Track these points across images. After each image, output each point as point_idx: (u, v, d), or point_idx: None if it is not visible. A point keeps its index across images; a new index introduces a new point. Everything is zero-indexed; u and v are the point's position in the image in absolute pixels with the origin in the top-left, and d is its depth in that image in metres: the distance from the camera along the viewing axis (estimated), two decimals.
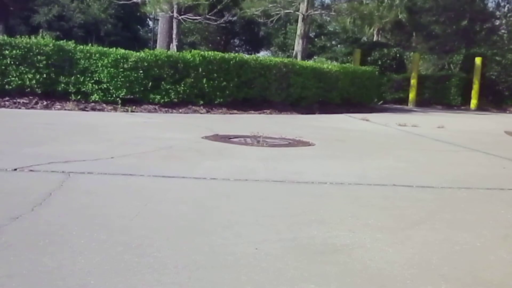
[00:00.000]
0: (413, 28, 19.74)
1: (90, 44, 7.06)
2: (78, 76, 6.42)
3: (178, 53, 7.54)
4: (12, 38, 6.36)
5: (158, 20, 12.49)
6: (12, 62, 6.12)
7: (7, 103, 5.98)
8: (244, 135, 4.16)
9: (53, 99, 6.30)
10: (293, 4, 12.12)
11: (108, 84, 6.53)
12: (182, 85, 6.94)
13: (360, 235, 1.62)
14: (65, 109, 6.09)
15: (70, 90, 6.38)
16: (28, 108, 5.94)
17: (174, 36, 10.17)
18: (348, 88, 9.46)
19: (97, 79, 6.50)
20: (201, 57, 7.14)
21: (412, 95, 13.73)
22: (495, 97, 13.85)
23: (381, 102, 12.20)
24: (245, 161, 2.99)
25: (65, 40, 6.69)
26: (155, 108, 6.75)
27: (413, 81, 13.77)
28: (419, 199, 2.22)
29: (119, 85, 6.55)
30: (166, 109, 6.80)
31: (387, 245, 1.54)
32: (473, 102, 13.52)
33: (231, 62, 7.35)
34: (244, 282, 1.21)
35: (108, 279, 1.18)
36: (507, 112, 13.25)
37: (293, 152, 3.50)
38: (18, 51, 6.14)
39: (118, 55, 6.60)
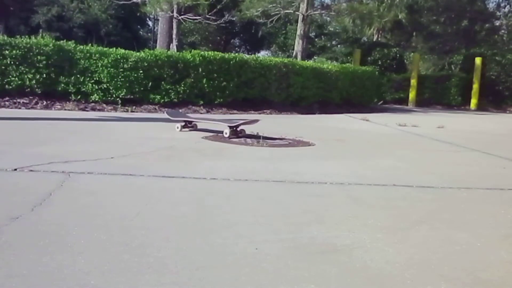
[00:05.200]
0: (413, 28, 19.75)
1: (90, 44, 7.07)
2: (78, 76, 6.42)
3: (178, 53, 7.54)
4: (12, 38, 6.36)
5: (158, 20, 12.50)
6: (12, 62, 6.12)
7: (7, 103, 5.99)
8: (244, 135, 4.16)
9: (53, 99, 6.30)
10: (293, 4, 12.12)
11: (108, 84, 6.53)
12: (182, 85, 6.95)
13: (360, 235, 1.62)
14: (65, 109, 6.09)
15: (70, 90, 6.39)
16: (28, 108, 5.94)
17: (174, 36, 10.18)
18: (348, 88, 9.46)
19: (97, 79, 6.51)
20: (201, 57, 7.14)
21: (412, 95, 13.74)
22: (495, 97, 13.86)
23: (381, 102, 12.21)
24: (245, 161, 2.99)
25: (65, 40, 6.70)
26: (155, 108, 6.75)
27: (413, 81, 13.77)
28: (419, 199, 2.22)
29: (119, 85, 6.55)
30: (166, 109, 6.80)
31: (387, 245, 1.54)
32: (473, 102, 13.53)
33: (231, 62, 7.35)
34: (244, 282, 1.21)
35: (108, 279, 1.18)
36: (507, 112, 13.25)
37: (293, 152, 3.50)
38: (18, 51, 6.14)
39: (118, 55, 6.60)
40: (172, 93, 6.89)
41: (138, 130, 4.41)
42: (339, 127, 5.81)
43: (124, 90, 6.58)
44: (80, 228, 1.54)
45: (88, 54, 6.49)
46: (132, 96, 6.68)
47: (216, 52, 7.60)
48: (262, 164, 2.89)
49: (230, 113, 7.03)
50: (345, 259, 1.41)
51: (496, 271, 1.39)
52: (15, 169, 2.32)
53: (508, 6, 21.24)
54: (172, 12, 10.04)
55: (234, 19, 14.02)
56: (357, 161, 3.26)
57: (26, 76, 6.15)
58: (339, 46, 25.21)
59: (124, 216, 1.71)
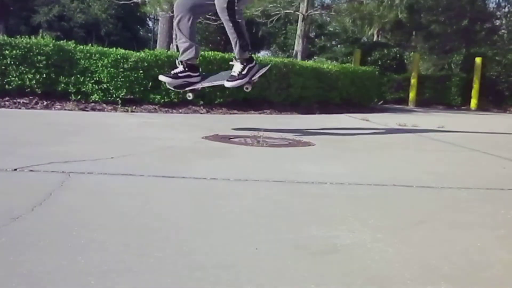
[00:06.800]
0: (413, 28, 19.75)
1: (90, 44, 7.06)
2: (78, 76, 6.42)
3: (178, 53, 7.53)
4: (12, 38, 6.35)
5: (158, 20, 12.50)
6: (12, 62, 6.12)
7: (7, 103, 5.98)
8: (244, 135, 4.16)
9: (53, 99, 6.30)
10: (293, 4, 12.13)
11: (108, 84, 6.52)
12: None
13: (360, 235, 1.62)
14: (65, 109, 6.09)
15: (70, 90, 6.38)
16: (28, 108, 5.94)
17: (174, 36, 10.19)
18: (348, 88, 9.46)
19: (97, 79, 6.50)
20: (201, 57, 7.13)
21: (412, 95, 13.74)
22: (496, 97, 13.85)
23: (381, 102, 12.21)
24: (245, 161, 2.99)
25: (65, 40, 6.69)
26: (155, 108, 6.75)
27: (413, 81, 13.77)
28: (419, 199, 2.22)
29: (119, 85, 6.55)
30: (166, 109, 6.79)
31: (387, 245, 1.54)
32: (474, 102, 13.52)
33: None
34: (244, 282, 1.21)
35: (108, 279, 1.19)
36: (507, 112, 13.25)
37: (293, 152, 3.50)
38: (18, 51, 6.14)
39: (118, 55, 6.59)
40: (172, 93, 6.88)
41: (138, 130, 4.41)
42: (339, 127, 5.81)
43: (124, 90, 6.57)
44: (80, 228, 1.55)
45: (88, 54, 6.49)
46: (132, 96, 6.67)
47: (216, 52, 7.59)
48: (262, 164, 2.89)
49: (230, 113, 7.02)
50: (345, 259, 1.41)
51: (496, 271, 1.39)
52: (15, 169, 2.32)
53: (508, 6, 21.23)
54: (172, 12, 10.05)
55: None
56: (357, 161, 3.27)
57: (26, 76, 6.14)
58: (339, 46, 25.23)
59: (124, 216, 1.71)
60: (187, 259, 1.34)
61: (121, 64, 6.59)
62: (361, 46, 15.88)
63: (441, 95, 14.04)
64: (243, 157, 3.13)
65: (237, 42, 4.29)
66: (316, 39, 24.71)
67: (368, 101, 10.37)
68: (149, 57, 6.79)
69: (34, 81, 6.18)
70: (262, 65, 4.96)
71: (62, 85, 6.35)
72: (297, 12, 11.96)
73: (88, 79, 6.47)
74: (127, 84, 6.60)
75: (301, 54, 11.66)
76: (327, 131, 5.22)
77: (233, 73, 4.43)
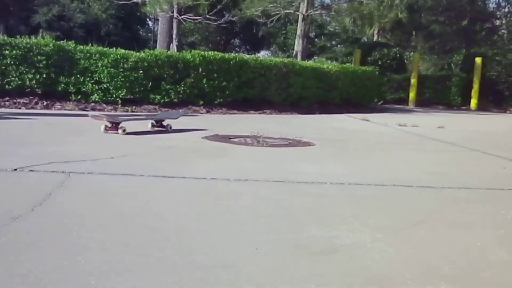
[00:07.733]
0: (413, 28, 19.75)
1: (90, 44, 7.05)
2: (78, 76, 6.42)
3: (178, 53, 7.53)
4: (12, 38, 6.35)
5: (158, 20, 12.49)
6: (12, 62, 6.12)
7: (7, 103, 5.98)
8: (244, 135, 4.16)
9: (53, 99, 6.30)
10: (293, 4, 12.13)
11: (108, 84, 6.52)
12: (182, 85, 6.94)
13: (360, 235, 1.62)
14: (65, 109, 6.09)
15: (70, 90, 6.38)
16: (28, 108, 5.94)
17: (174, 36, 10.19)
18: (348, 88, 9.46)
19: (97, 79, 6.50)
20: (201, 57, 7.14)
21: (412, 95, 13.74)
22: (496, 97, 13.85)
23: (381, 102, 12.20)
24: (245, 161, 2.99)
25: (65, 40, 6.69)
26: (155, 108, 6.74)
27: (413, 81, 13.77)
28: (419, 199, 2.22)
29: (119, 85, 6.55)
30: (166, 109, 6.79)
31: (387, 245, 1.54)
32: (474, 102, 13.52)
33: (231, 62, 7.35)
34: (244, 282, 1.21)
35: (108, 279, 1.19)
36: (507, 112, 13.24)
37: (293, 152, 3.50)
38: (18, 51, 6.14)
39: (118, 55, 6.59)
40: (172, 93, 6.88)
41: (138, 130, 4.41)
42: (339, 127, 5.82)
43: (124, 90, 6.57)
44: (80, 228, 1.54)
45: (88, 54, 6.49)
46: (132, 96, 6.67)
47: (216, 52, 7.59)
48: (262, 164, 2.89)
49: (230, 113, 7.02)
50: (345, 259, 1.41)
51: (496, 271, 1.39)
52: (15, 169, 2.32)
53: (508, 6, 21.23)
54: (172, 12, 10.05)
55: (234, 19, 13.99)
56: (357, 161, 3.27)
57: (26, 76, 6.14)
58: (339, 46, 25.22)
59: (124, 216, 1.71)
60: (187, 259, 1.34)
61: (121, 64, 6.59)
62: (361, 46, 15.87)
63: (441, 95, 14.04)
64: (243, 157, 3.13)
65: None
66: (316, 39, 24.69)
67: (368, 101, 10.37)
68: (149, 57, 6.78)
69: (34, 81, 6.18)
70: None
71: (62, 85, 6.35)
72: (297, 12, 11.95)
73: (88, 79, 6.47)
74: (127, 84, 6.60)
75: (301, 54, 11.65)
76: (327, 131, 5.22)
77: None
